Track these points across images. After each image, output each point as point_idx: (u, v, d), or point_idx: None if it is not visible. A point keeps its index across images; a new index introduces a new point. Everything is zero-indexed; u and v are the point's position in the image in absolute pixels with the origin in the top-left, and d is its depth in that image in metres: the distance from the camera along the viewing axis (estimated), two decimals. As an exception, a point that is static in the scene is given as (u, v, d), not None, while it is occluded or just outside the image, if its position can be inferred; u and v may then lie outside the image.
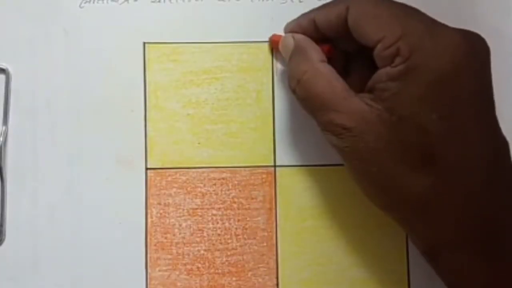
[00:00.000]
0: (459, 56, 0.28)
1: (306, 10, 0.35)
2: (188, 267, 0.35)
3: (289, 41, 0.34)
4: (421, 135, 0.28)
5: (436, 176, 0.29)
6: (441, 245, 0.30)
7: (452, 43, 0.28)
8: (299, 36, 0.34)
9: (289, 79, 0.33)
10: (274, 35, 0.36)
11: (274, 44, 0.36)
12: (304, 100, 0.32)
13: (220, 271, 0.36)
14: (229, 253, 0.36)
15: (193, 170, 0.36)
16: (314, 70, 0.31)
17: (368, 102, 0.29)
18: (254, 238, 0.36)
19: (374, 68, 0.30)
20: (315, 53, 0.32)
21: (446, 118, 0.28)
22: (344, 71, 0.33)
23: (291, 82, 0.32)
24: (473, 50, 0.29)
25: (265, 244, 0.36)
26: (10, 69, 0.36)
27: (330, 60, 0.32)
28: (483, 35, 0.30)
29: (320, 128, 0.31)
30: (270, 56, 0.37)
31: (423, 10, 0.30)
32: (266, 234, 0.36)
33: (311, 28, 0.33)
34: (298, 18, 0.35)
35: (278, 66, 0.36)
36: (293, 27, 0.35)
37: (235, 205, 0.36)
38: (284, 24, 0.35)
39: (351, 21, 0.31)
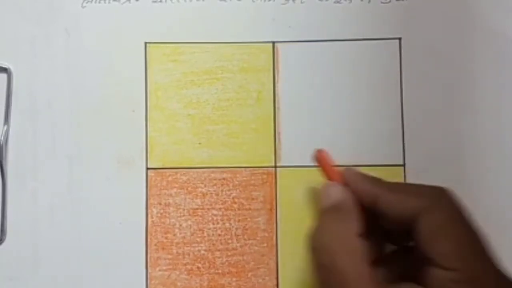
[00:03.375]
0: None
1: (307, 11, 0.35)
2: (188, 267, 0.35)
3: (334, 194, 0.30)
4: None
5: None
6: None
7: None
8: (347, 197, 0.30)
9: (312, 238, 0.29)
10: (318, 151, 0.33)
11: (319, 161, 0.33)
12: (323, 271, 0.28)
13: (220, 271, 0.35)
14: (229, 253, 0.36)
15: (194, 170, 0.36)
16: (347, 244, 0.28)
17: None
18: (255, 239, 0.36)
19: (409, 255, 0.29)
20: (352, 224, 0.29)
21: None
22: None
23: (315, 242, 0.29)
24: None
25: (265, 244, 0.36)
26: (12, 69, 0.36)
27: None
28: (483, 35, 0.30)
29: None
30: (271, 57, 0.37)
31: (423, 11, 0.30)
32: (266, 234, 0.36)
33: (367, 199, 0.30)
34: (364, 177, 0.30)
35: (280, 67, 0.37)
36: (353, 181, 0.30)
37: (235, 206, 0.36)
38: (285, 24, 0.36)
39: (420, 234, 0.28)
